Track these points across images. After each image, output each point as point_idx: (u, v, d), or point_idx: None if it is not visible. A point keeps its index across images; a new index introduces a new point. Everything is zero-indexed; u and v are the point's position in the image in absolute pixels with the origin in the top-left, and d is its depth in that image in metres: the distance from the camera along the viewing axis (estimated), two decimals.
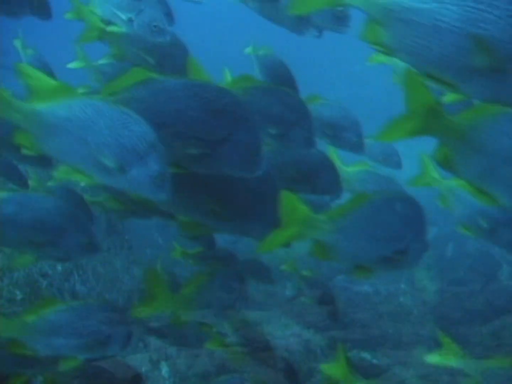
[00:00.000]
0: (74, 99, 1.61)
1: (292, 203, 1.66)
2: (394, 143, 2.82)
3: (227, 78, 2.36)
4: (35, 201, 1.93)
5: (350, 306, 4.13)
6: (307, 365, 3.13)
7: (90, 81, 2.55)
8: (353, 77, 12.29)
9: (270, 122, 1.95)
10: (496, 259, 4.98)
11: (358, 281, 4.61)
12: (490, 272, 4.84)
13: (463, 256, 5.12)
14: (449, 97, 1.88)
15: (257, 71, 2.56)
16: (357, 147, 2.46)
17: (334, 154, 2.54)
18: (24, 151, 1.68)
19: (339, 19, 2.33)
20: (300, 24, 2.02)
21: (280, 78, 2.38)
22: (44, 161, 2.23)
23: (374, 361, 3.37)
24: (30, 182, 2.83)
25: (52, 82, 1.68)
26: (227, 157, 1.66)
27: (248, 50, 2.68)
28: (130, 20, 2.22)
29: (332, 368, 2.08)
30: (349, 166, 2.63)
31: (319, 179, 2.20)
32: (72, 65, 2.66)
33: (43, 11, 2.38)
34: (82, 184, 2.56)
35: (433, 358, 2.14)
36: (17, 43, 3.00)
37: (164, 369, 2.90)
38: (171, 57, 2.27)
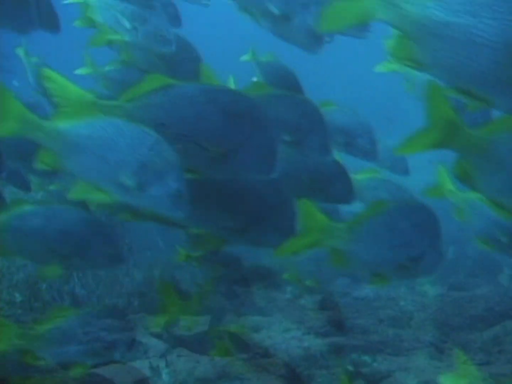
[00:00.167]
0: (95, 117, 1.64)
1: (310, 212, 1.70)
2: None
3: (230, 85, 2.35)
4: (60, 213, 1.96)
5: (350, 311, 4.12)
6: (308, 371, 3.12)
7: (98, 87, 2.53)
8: (352, 79, 12.29)
9: (285, 130, 1.94)
10: (498, 262, 4.97)
11: (359, 286, 4.60)
12: (491, 276, 4.84)
13: (464, 259, 5.11)
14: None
15: (260, 78, 2.53)
16: (370, 155, 2.42)
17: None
18: (39, 165, 1.72)
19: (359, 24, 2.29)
20: (314, 42, 2.00)
21: (287, 86, 2.34)
22: (50, 174, 2.23)
23: (375, 364, 3.36)
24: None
25: (75, 89, 1.71)
26: (243, 160, 1.66)
27: (247, 57, 2.66)
28: (134, 29, 2.21)
29: None
30: (358, 173, 2.58)
31: (333, 188, 2.18)
32: (79, 71, 2.65)
33: (52, 24, 2.34)
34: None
35: (447, 380, 2.11)
36: (20, 51, 2.95)
37: (164, 375, 2.90)
38: (182, 61, 2.26)
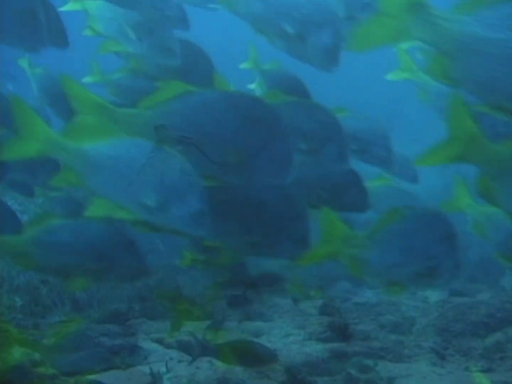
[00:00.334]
0: (119, 138, 1.65)
1: (332, 221, 1.74)
2: (410, 155, 2.78)
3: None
4: (88, 228, 1.97)
5: (351, 317, 4.11)
6: (309, 377, 3.11)
7: (106, 94, 2.52)
8: (353, 83, 12.27)
9: (302, 138, 1.94)
10: (500, 266, 4.95)
11: (359, 291, 4.59)
12: (492, 282, 4.81)
13: (465, 264, 5.09)
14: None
15: (261, 85, 2.51)
16: (386, 162, 2.39)
17: None
18: (59, 183, 1.75)
19: None
20: (329, 61, 1.98)
21: (297, 94, 2.30)
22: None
23: (377, 369, 3.35)
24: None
25: (95, 97, 1.73)
26: (260, 166, 1.68)
27: (247, 65, 2.63)
28: (139, 40, 2.20)
29: None
30: (369, 181, 2.54)
31: (348, 196, 2.16)
32: (87, 79, 2.64)
33: (61, 40, 2.32)
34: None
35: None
36: (23, 62, 2.90)
37: (165, 381, 2.89)
38: (194, 68, 2.24)
